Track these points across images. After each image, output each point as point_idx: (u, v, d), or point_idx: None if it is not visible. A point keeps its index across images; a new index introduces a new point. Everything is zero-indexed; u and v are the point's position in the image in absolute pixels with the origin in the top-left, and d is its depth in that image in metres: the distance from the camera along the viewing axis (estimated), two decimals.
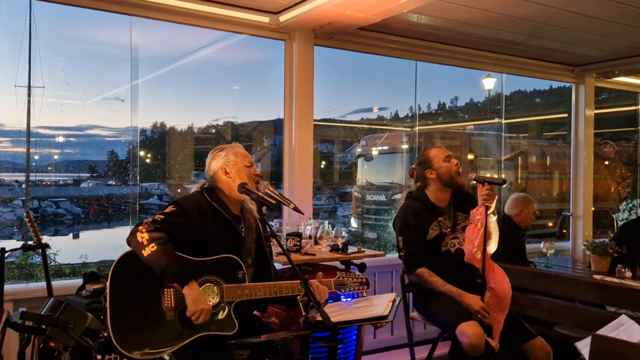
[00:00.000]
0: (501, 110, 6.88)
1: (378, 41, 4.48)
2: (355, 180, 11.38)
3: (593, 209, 11.00)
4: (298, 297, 2.44)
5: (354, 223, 10.72)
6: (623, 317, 3.08)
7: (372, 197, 10.32)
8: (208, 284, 2.39)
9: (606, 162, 11.38)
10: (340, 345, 3.18)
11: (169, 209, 2.42)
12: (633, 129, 8.62)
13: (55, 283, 3.31)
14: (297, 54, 4.14)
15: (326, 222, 3.61)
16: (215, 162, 2.58)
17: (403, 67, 5.50)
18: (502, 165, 9.68)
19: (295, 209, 2.66)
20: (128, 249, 2.33)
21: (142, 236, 2.27)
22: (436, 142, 10.97)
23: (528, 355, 3.10)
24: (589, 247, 4.41)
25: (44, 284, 3.06)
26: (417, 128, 7.69)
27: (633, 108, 7.64)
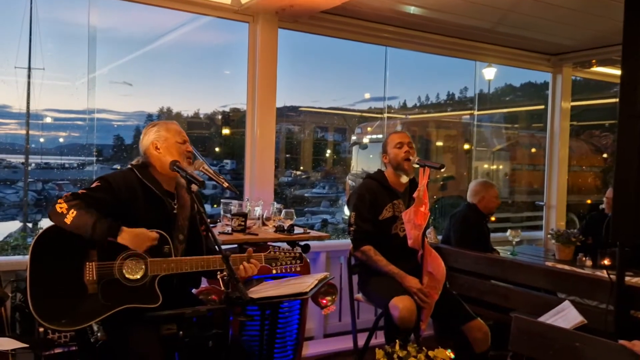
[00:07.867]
0: (474, 101, 6.85)
1: (344, 25, 4.43)
2: (351, 169, 11.40)
3: (589, 201, 10.89)
4: (219, 273, 2.49)
5: (347, 211, 10.72)
6: (565, 303, 3.13)
7: None
8: (133, 258, 2.39)
9: (605, 155, 11.28)
10: (281, 322, 3.24)
11: (94, 184, 2.43)
12: (614, 121, 8.49)
13: (6, 258, 3.40)
14: (260, 37, 4.09)
15: (275, 204, 3.65)
16: (147, 138, 2.58)
17: (413, 58, 5.45)
18: (494, 156, 9.64)
19: (229, 188, 2.67)
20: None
21: (61, 207, 2.28)
22: (432, 132, 10.97)
23: (467, 335, 3.16)
24: (554, 235, 4.42)
25: None
26: (411, 117, 7.73)
27: (614, 100, 7.54)
